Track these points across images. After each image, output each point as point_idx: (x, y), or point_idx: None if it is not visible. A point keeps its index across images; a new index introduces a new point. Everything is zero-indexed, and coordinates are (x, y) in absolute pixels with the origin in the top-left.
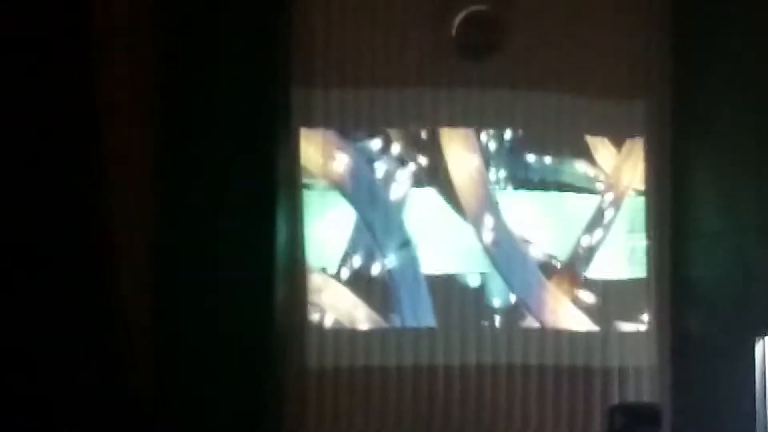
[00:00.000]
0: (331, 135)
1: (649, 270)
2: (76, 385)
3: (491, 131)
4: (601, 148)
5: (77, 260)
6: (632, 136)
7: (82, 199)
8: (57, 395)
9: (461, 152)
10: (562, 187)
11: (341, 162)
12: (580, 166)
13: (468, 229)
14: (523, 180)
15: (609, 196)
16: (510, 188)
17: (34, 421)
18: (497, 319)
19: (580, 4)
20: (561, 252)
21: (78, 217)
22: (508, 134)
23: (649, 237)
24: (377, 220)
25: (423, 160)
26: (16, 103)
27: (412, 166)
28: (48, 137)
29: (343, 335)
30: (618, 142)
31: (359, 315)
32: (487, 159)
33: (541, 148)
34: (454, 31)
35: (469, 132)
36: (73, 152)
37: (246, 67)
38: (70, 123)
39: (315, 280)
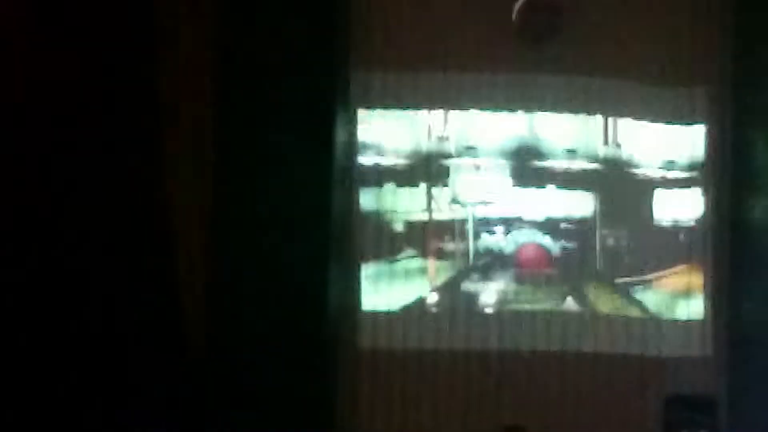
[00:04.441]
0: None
1: (706, 258)
2: (130, 368)
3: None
4: (661, 134)
5: (135, 245)
6: (693, 122)
7: (142, 182)
8: (112, 374)
9: None
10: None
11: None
12: (639, 152)
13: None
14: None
15: (667, 184)
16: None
17: (96, 396)
18: (550, 306)
19: None
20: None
21: (136, 202)
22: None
23: (707, 225)
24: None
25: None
26: (76, 88)
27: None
28: (107, 121)
29: (397, 318)
30: (678, 129)
31: (414, 297)
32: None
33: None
34: (514, 15)
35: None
36: (135, 139)
37: (305, 50)
38: (130, 106)
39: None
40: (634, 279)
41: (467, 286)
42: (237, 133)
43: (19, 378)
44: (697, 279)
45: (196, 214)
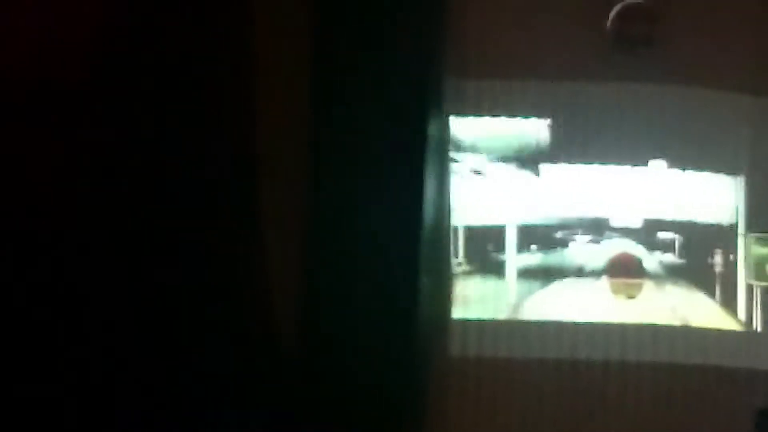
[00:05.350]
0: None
1: None
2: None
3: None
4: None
5: (225, 247)
6: None
7: (233, 183)
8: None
9: None
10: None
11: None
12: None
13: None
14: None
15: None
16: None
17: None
18: (642, 317)
19: None
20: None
21: (228, 203)
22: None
23: None
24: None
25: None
26: (169, 83)
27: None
28: (201, 115)
29: (487, 325)
30: None
31: (503, 305)
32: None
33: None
34: (609, 24)
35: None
36: (228, 136)
37: (399, 54)
38: (225, 100)
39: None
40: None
41: (559, 294)
42: (330, 137)
43: (110, 372)
44: None
45: (289, 218)
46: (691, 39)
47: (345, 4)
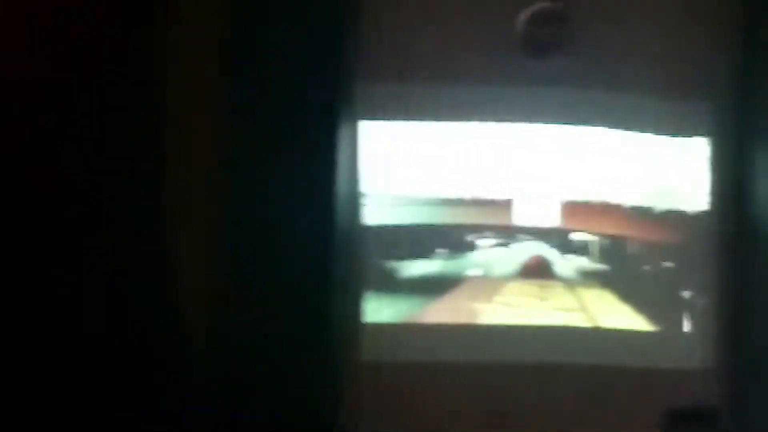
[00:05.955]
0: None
1: (713, 273)
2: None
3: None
4: (664, 149)
5: (134, 252)
6: (697, 136)
7: (142, 188)
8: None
9: None
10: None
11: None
12: (642, 167)
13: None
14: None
15: (671, 199)
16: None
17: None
18: (553, 318)
19: (648, 3)
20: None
21: (138, 207)
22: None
23: (712, 243)
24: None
25: None
26: (81, 88)
27: None
28: (110, 118)
29: (400, 329)
30: (681, 144)
31: (417, 309)
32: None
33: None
34: (518, 27)
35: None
36: (138, 142)
37: (312, 59)
38: (135, 107)
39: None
40: (639, 288)
41: (471, 297)
42: (241, 143)
43: (18, 379)
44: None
45: (198, 223)
46: (599, 43)
47: (258, 7)
